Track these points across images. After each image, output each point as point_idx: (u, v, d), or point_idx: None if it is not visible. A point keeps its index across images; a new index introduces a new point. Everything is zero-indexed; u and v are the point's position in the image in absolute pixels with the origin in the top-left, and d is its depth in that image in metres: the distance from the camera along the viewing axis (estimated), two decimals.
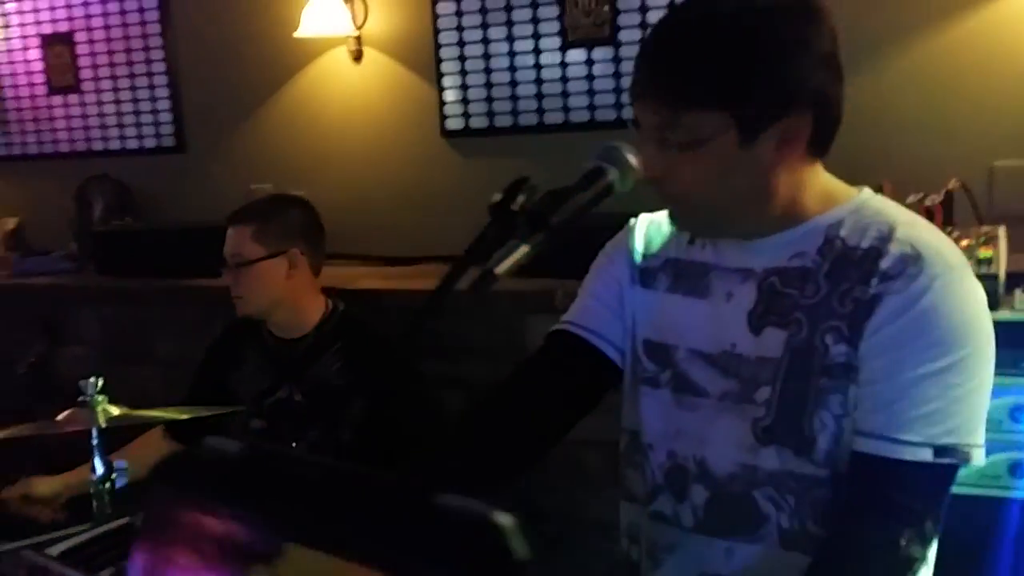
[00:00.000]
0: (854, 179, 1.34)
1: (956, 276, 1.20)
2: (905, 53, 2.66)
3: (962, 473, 1.22)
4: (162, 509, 0.67)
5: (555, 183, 1.14)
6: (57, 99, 3.91)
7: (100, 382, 1.66)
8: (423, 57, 3.25)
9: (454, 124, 3.24)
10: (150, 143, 3.75)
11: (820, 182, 1.29)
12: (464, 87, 3.20)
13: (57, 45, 3.86)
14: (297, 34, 3.22)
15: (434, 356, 2.50)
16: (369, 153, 3.40)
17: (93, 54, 3.80)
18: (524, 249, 1.03)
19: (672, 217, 1.34)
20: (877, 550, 1.18)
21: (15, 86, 3.98)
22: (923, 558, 1.19)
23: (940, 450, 1.17)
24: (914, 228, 1.25)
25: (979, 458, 1.21)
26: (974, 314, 1.21)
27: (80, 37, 3.81)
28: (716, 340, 1.30)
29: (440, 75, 3.23)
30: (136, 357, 3.28)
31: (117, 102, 3.79)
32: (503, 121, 3.17)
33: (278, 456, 0.66)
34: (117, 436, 2.10)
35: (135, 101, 3.76)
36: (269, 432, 2.38)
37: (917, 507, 1.18)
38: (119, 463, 1.67)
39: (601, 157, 1.17)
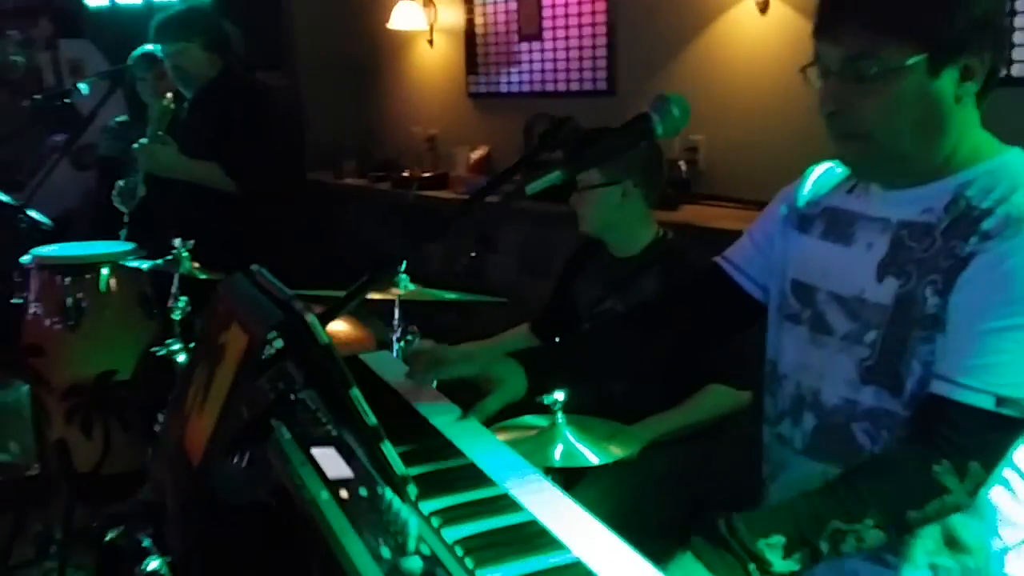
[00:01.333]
0: None
1: None
2: None
3: None
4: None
5: None
6: (523, 45, 4.56)
7: (403, 265, 2.18)
8: None
9: None
10: (587, 86, 4.25)
11: (974, 136, 1.34)
12: None
13: None
14: None
15: None
16: (766, 103, 3.53)
17: (556, 5, 4.37)
18: (557, 174, 1.27)
19: (842, 156, 1.40)
20: (908, 466, 1.25)
21: (493, 34, 4.72)
22: (960, 493, 1.22)
23: (1002, 400, 1.20)
24: None
25: None
26: None
27: None
28: (850, 285, 1.40)
29: None
30: (540, 269, 3.83)
31: (566, 49, 4.34)
32: None
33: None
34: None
35: (580, 48, 4.27)
36: None
37: (964, 445, 1.22)
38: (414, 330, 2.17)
39: (652, 106, 1.35)
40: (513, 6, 4.59)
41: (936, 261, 1.28)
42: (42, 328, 3.10)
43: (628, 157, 2.71)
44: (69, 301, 3.05)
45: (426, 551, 0.99)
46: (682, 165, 3.66)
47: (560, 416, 2.27)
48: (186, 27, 3.54)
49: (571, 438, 2.24)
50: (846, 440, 1.39)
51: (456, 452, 1.32)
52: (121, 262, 3.10)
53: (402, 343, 2.20)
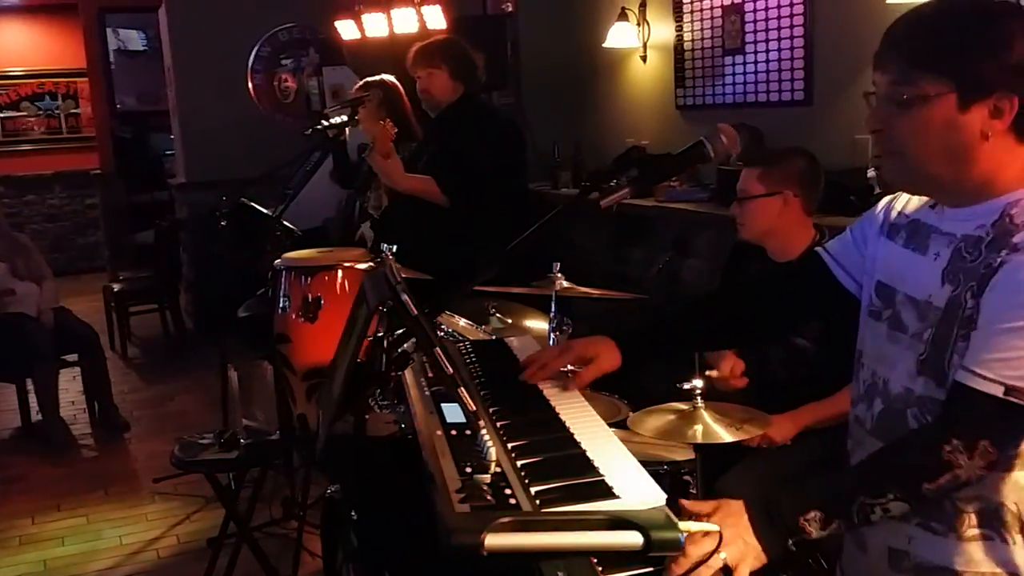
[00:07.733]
0: None
1: None
2: None
3: None
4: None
5: None
6: (727, 59, 4.76)
7: (558, 266, 2.51)
8: None
9: None
10: (786, 96, 4.39)
11: (1021, 164, 1.49)
12: None
13: (732, 14, 4.69)
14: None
15: None
16: None
17: (758, 20, 4.54)
18: (626, 191, 1.55)
19: (883, 171, 1.60)
20: (921, 443, 1.46)
21: (700, 48, 4.95)
22: (970, 469, 1.40)
23: (1010, 389, 1.37)
24: None
25: None
26: None
27: (748, 7, 4.59)
28: (922, 289, 1.57)
29: None
30: None
31: (767, 62, 4.49)
32: None
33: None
34: None
35: (779, 61, 4.42)
36: None
37: (975, 427, 1.40)
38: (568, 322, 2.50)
39: (706, 135, 1.59)
40: (718, 22, 4.80)
41: (977, 269, 1.45)
42: (288, 320, 3.68)
43: (787, 169, 2.91)
44: (309, 297, 3.61)
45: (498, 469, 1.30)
46: (870, 172, 3.74)
47: (700, 401, 2.54)
48: (437, 55, 4.01)
49: (709, 420, 2.51)
50: (901, 423, 1.57)
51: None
52: (351, 265, 3.64)
53: (557, 333, 2.54)
